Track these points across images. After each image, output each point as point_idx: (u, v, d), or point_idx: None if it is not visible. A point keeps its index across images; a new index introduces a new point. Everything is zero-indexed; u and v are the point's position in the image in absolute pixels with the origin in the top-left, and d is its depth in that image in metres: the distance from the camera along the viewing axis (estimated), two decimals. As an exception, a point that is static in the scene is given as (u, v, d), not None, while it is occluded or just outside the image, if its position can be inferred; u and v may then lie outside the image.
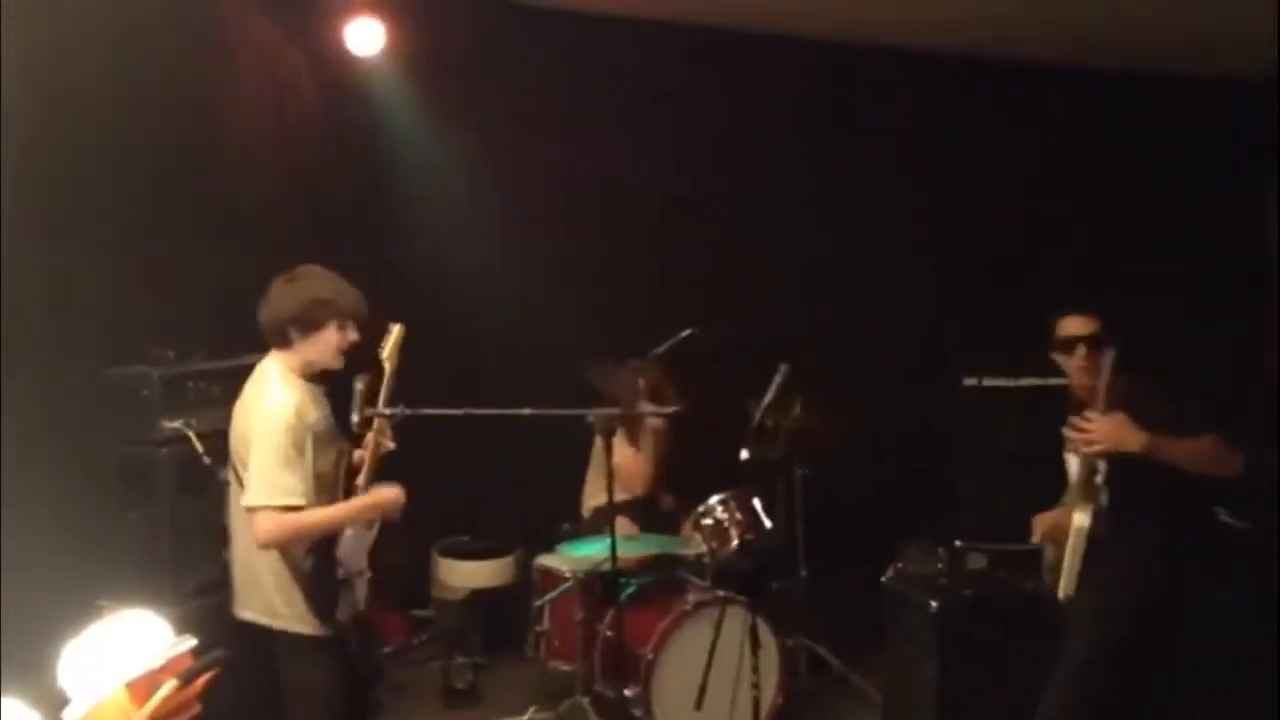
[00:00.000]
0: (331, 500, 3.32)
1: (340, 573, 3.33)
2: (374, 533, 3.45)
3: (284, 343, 3.28)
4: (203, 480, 3.83)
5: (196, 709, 2.12)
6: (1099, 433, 3.46)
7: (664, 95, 5.68)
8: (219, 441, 3.82)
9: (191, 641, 2.12)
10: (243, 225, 4.78)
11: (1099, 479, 3.56)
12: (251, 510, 3.12)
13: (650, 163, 5.73)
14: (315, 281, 3.31)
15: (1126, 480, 3.52)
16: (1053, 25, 5.48)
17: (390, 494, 3.39)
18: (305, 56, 5.25)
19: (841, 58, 5.87)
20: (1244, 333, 5.98)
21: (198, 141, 4.60)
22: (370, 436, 3.41)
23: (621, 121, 5.70)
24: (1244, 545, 4.43)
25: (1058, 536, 3.65)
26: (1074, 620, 3.59)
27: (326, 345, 3.29)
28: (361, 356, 3.44)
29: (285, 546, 3.18)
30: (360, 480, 3.38)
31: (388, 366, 3.45)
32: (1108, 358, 3.47)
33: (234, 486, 3.29)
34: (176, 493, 3.78)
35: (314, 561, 3.24)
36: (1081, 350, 3.61)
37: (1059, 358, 3.70)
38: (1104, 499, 3.55)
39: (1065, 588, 3.57)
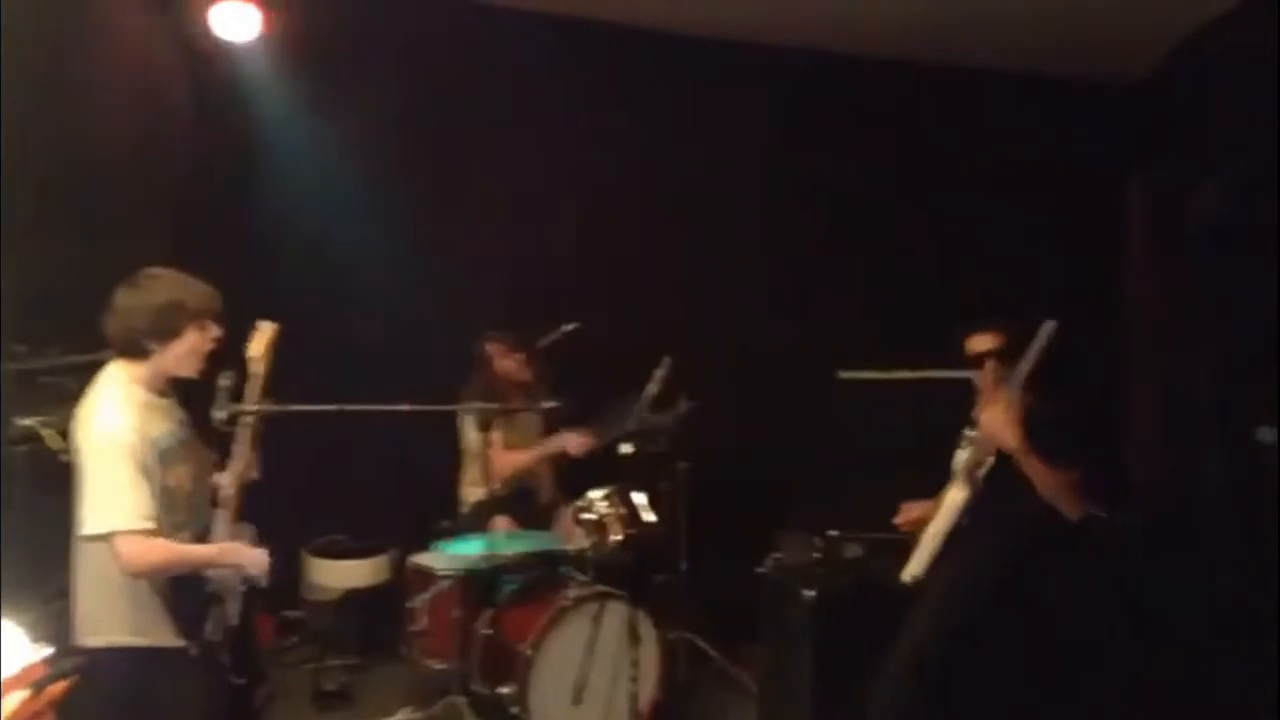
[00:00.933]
0: (191, 517, 3.15)
1: (210, 587, 3.16)
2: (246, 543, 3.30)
3: (139, 354, 3.06)
4: (60, 479, 3.63)
5: (49, 719, 2.03)
6: (986, 419, 3.60)
7: (541, 81, 5.63)
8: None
9: (46, 650, 2.02)
10: (103, 217, 4.58)
11: (981, 472, 3.67)
12: (104, 538, 2.91)
13: (528, 151, 5.68)
14: (163, 284, 3.07)
15: (1004, 478, 3.62)
16: (927, 25, 5.61)
17: (257, 554, 3.19)
18: (173, 42, 5.04)
19: (719, 57, 5.90)
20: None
21: (57, 130, 4.38)
22: (236, 448, 3.26)
23: (499, 107, 5.62)
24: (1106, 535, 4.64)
25: (921, 526, 3.75)
26: (920, 603, 3.71)
27: (188, 352, 3.09)
28: (225, 353, 3.30)
29: (150, 576, 3.00)
30: (226, 492, 3.24)
31: (258, 368, 3.31)
32: (1038, 342, 3.53)
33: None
34: (31, 493, 3.59)
35: (174, 578, 3.06)
36: (990, 364, 3.75)
37: (971, 373, 3.81)
38: (981, 487, 3.66)
39: (914, 569, 3.68)
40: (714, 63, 5.91)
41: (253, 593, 3.29)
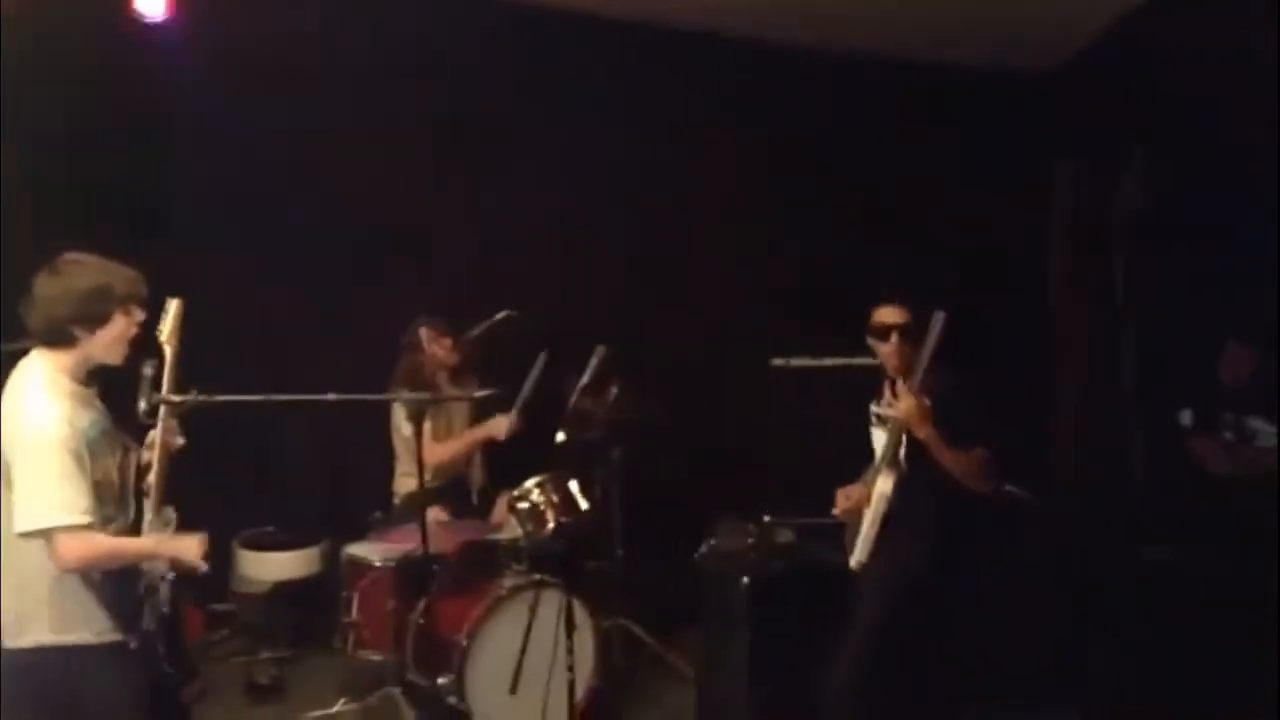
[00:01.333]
0: (119, 510, 3.06)
1: (143, 582, 3.09)
2: (171, 530, 3.23)
3: (65, 342, 2.96)
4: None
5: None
6: (901, 406, 3.65)
7: (476, 63, 5.57)
8: None
9: None
10: (20, 201, 4.46)
11: (903, 451, 3.72)
12: (43, 534, 2.82)
13: (460, 134, 5.61)
14: (87, 270, 2.97)
15: (921, 458, 3.69)
16: (861, 17, 5.66)
17: (192, 545, 3.12)
18: (87, 18, 4.89)
19: (662, 43, 5.89)
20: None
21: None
22: (156, 434, 3.16)
23: (430, 87, 5.54)
24: (1028, 515, 4.74)
25: (858, 509, 3.80)
26: (865, 587, 3.76)
27: (114, 338, 2.99)
28: (148, 342, 3.22)
29: (87, 571, 2.91)
30: (151, 480, 3.12)
31: (168, 348, 3.20)
32: (932, 333, 3.58)
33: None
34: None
35: (106, 571, 2.97)
36: (894, 337, 3.79)
37: (873, 343, 3.87)
38: (905, 470, 3.71)
39: (859, 555, 3.72)
40: (665, 51, 5.90)
41: (180, 583, 3.20)
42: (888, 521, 3.69)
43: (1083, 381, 6.10)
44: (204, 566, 3.15)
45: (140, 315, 3.06)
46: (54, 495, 2.81)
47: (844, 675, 3.67)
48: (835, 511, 3.97)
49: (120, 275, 3.02)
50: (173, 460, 3.20)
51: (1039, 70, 6.44)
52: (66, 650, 2.93)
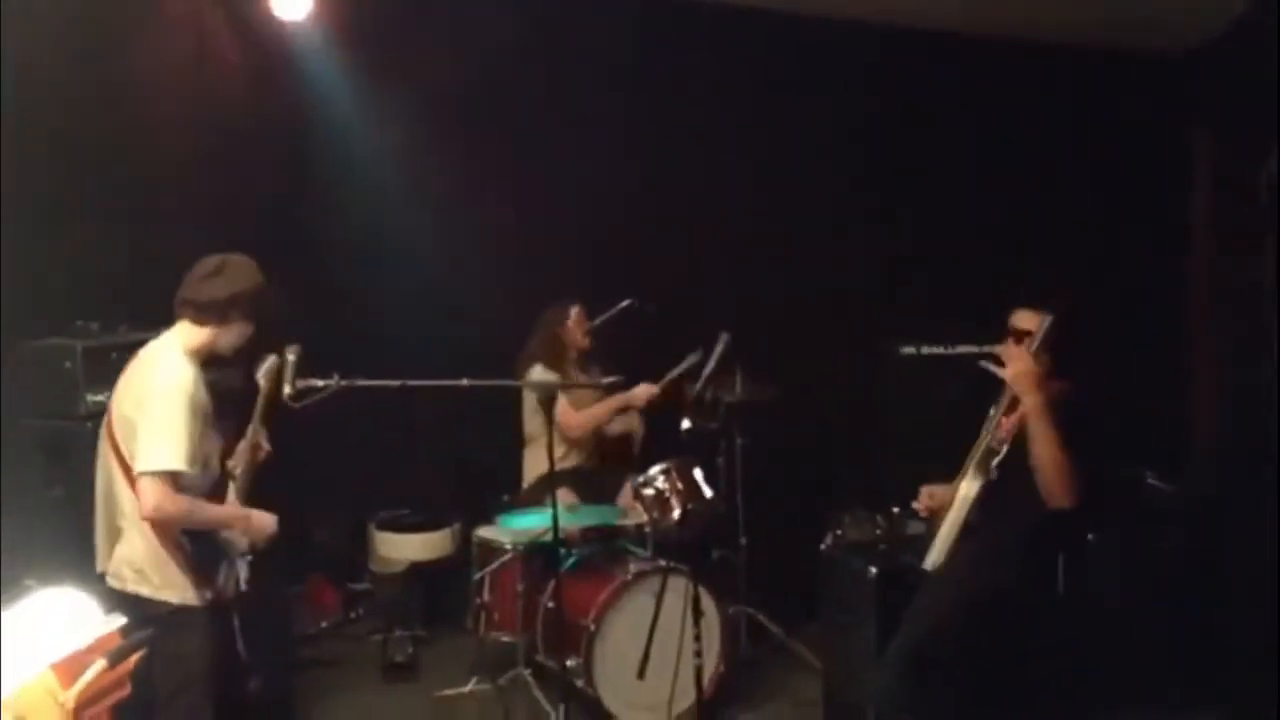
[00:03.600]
0: (208, 485, 3.31)
1: (225, 558, 3.33)
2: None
3: (206, 323, 3.26)
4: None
5: (127, 689, 2.07)
6: (1013, 364, 3.53)
7: (599, 62, 5.59)
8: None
9: (121, 620, 2.07)
10: (165, 197, 4.66)
11: (996, 460, 3.60)
12: (141, 476, 3.08)
13: (586, 131, 5.65)
14: (247, 273, 3.32)
15: (1018, 467, 3.55)
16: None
17: (267, 519, 3.38)
18: (227, 21, 5.08)
19: (783, 26, 5.82)
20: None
21: (116, 111, 4.46)
22: (245, 445, 3.44)
23: (554, 89, 5.60)
24: (1169, 507, 4.57)
25: (941, 513, 3.71)
26: (928, 593, 3.65)
27: (237, 337, 3.32)
28: (294, 329, 3.39)
29: (167, 524, 3.14)
30: (238, 474, 3.43)
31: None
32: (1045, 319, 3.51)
33: (107, 460, 3.26)
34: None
35: (191, 535, 3.22)
36: (1026, 343, 3.63)
37: (1009, 345, 3.70)
38: (994, 476, 3.59)
39: (934, 557, 3.62)
40: (784, 34, 5.84)
41: (259, 564, 3.43)
42: (969, 530, 3.59)
43: (1224, 369, 5.86)
44: (266, 544, 3.40)
45: (252, 329, 3.36)
46: (167, 443, 3.08)
47: (887, 677, 3.59)
48: (916, 506, 3.90)
49: (264, 288, 3.34)
50: (259, 466, 3.47)
51: (1179, 51, 6.17)
52: (152, 603, 3.18)
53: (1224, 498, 4.66)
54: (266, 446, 3.51)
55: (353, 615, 5.47)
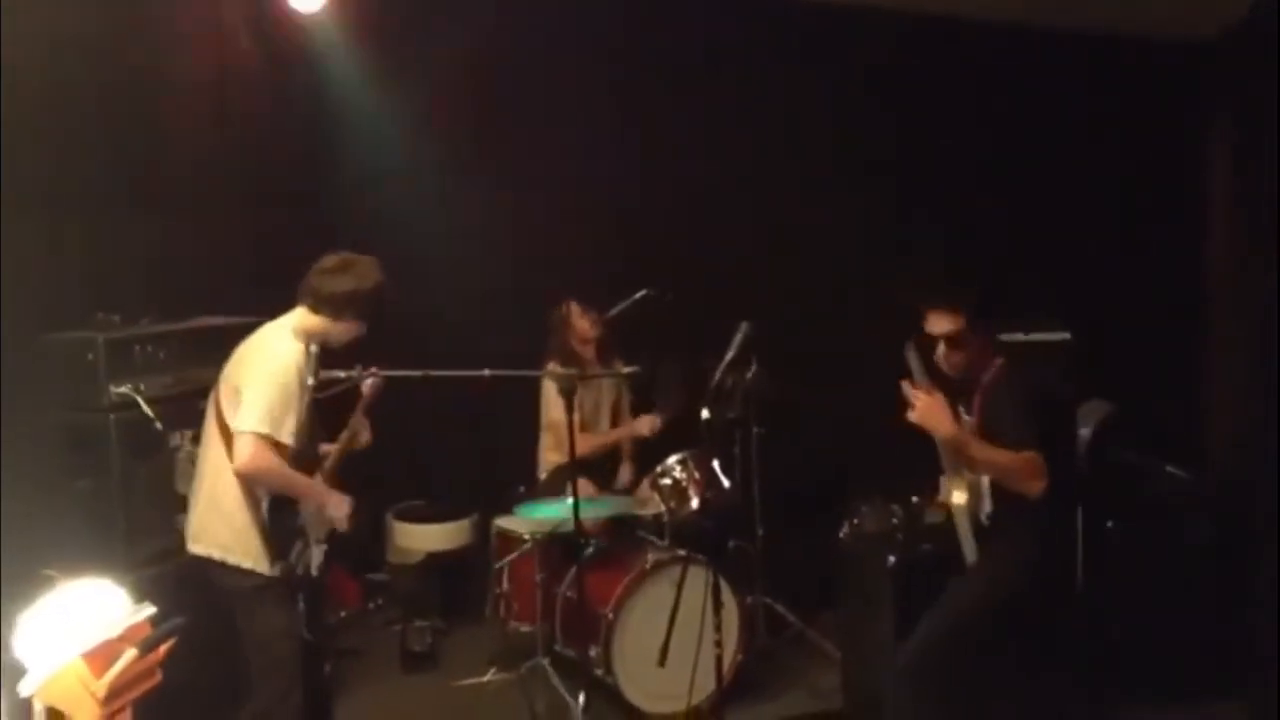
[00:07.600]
0: (295, 466, 3.40)
1: (300, 539, 3.44)
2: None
3: (323, 313, 3.41)
4: (153, 446, 3.78)
5: (157, 678, 2.08)
6: (918, 407, 3.42)
7: (612, 50, 5.57)
8: (169, 406, 3.78)
9: (150, 609, 2.08)
10: (184, 189, 4.68)
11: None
12: (239, 434, 3.24)
13: (602, 119, 5.64)
14: (371, 275, 3.47)
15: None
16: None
17: (344, 501, 3.52)
18: (245, 13, 5.09)
19: (813, 13, 5.79)
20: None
21: (137, 104, 4.47)
22: (346, 434, 3.59)
23: (571, 78, 5.58)
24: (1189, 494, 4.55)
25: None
26: (954, 588, 3.61)
27: (350, 332, 3.47)
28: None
29: (257, 478, 3.29)
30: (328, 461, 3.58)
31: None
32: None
33: (209, 429, 3.41)
34: (127, 459, 3.72)
35: (272, 502, 3.35)
36: (942, 347, 3.57)
37: (906, 384, 3.58)
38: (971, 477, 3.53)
39: (969, 555, 3.60)
40: (806, 21, 5.81)
41: (333, 554, 3.56)
42: (980, 528, 3.55)
43: (1243, 358, 5.82)
44: (345, 525, 3.54)
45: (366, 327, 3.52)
46: (272, 411, 3.26)
47: (905, 664, 3.56)
48: (942, 498, 3.89)
49: (386, 293, 3.49)
50: (350, 450, 3.61)
51: (1201, 38, 6.11)
52: (225, 569, 3.36)
53: (1246, 486, 4.64)
54: (367, 436, 3.65)
55: (371, 605, 5.51)
